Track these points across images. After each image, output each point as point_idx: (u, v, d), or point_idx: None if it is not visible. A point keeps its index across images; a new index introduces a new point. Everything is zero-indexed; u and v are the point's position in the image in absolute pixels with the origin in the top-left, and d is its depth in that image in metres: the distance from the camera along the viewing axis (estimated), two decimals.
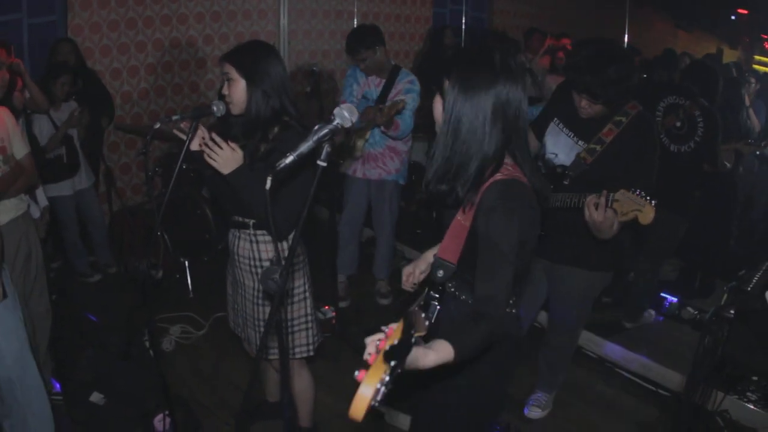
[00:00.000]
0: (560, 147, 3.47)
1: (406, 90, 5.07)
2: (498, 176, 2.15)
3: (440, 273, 2.27)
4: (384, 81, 5.20)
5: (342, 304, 5.50)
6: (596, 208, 2.88)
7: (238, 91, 2.96)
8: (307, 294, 3.29)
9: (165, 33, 7.10)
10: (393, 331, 1.55)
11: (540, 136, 3.61)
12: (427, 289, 2.45)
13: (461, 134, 2.13)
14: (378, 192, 5.57)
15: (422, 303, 2.36)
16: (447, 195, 2.19)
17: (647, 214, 2.75)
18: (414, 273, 2.67)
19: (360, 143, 5.26)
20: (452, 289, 2.38)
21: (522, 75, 2.18)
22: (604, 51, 3.15)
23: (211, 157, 2.83)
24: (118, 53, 6.79)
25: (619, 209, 2.82)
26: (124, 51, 6.83)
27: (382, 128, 5.04)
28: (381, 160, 5.38)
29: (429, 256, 2.70)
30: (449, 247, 2.26)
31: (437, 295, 2.35)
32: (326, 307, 5.08)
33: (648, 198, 2.75)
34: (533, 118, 3.69)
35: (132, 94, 7.00)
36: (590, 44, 3.23)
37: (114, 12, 6.64)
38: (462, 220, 2.21)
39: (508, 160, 2.20)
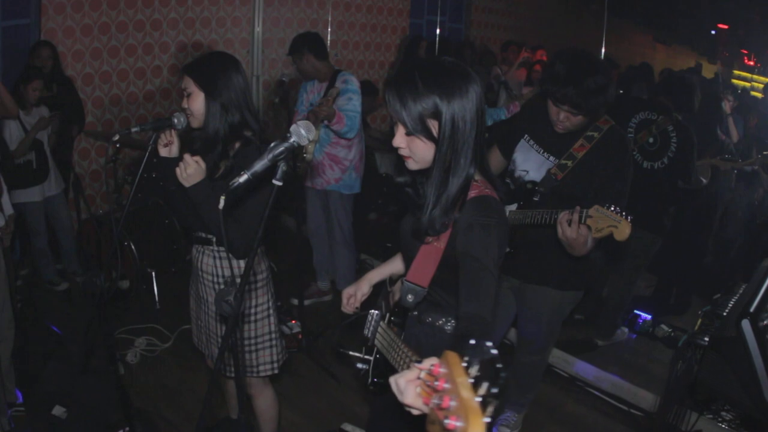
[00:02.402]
0: (530, 164, 3.40)
1: (342, 91, 5.05)
2: (472, 194, 2.08)
3: (410, 297, 2.16)
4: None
5: (306, 302, 5.47)
6: (569, 225, 2.83)
7: (197, 103, 2.89)
8: (271, 311, 3.22)
9: (138, 39, 7.03)
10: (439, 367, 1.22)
11: (509, 153, 3.53)
12: (372, 311, 2.42)
13: (457, 154, 2.01)
14: (325, 202, 5.57)
15: (393, 320, 2.29)
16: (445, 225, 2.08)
17: (623, 230, 2.69)
18: (356, 295, 2.59)
19: (310, 146, 5.21)
20: (416, 313, 2.31)
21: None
22: (583, 61, 3.07)
23: (180, 168, 2.77)
24: (91, 58, 6.71)
25: (594, 225, 2.75)
26: (96, 56, 6.75)
27: (326, 122, 4.98)
28: (321, 169, 5.35)
29: (372, 277, 2.62)
30: (420, 270, 2.16)
31: (398, 320, 2.28)
32: (293, 321, 4.99)
33: (623, 214, 2.69)
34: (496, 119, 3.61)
35: (104, 100, 6.91)
36: (567, 55, 3.15)
37: (87, 16, 6.56)
38: (435, 243, 2.12)
39: (477, 175, 2.13)
